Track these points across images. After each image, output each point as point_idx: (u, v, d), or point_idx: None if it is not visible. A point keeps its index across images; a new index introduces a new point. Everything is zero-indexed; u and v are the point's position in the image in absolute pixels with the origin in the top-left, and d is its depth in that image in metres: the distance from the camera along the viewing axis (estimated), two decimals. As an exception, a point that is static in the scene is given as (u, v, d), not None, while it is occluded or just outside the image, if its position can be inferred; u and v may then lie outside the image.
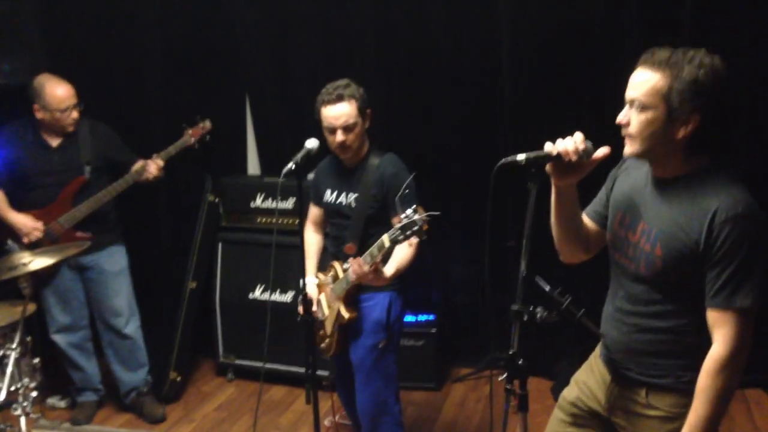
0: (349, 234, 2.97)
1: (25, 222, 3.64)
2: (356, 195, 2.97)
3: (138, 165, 3.77)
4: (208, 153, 4.53)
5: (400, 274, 2.86)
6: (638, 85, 1.86)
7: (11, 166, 3.70)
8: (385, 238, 2.56)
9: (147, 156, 3.81)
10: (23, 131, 3.73)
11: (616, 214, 2.08)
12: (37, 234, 3.64)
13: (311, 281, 3.13)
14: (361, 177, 2.96)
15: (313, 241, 3.25)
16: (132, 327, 3.97)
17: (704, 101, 1.79)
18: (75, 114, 3.68)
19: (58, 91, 3.61)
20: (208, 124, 3.86)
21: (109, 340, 3.96)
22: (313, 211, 3.23)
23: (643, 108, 1.85)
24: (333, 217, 3.12)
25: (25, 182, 3.71)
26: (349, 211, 2.99)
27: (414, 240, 2.49)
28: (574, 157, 1.90)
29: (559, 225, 2.14)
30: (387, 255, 2.71)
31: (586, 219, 2.21)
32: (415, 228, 2.43)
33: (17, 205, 3.71)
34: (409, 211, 2.45)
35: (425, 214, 2.44)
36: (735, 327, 1.80)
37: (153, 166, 3.74)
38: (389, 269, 2.79)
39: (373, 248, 2.65)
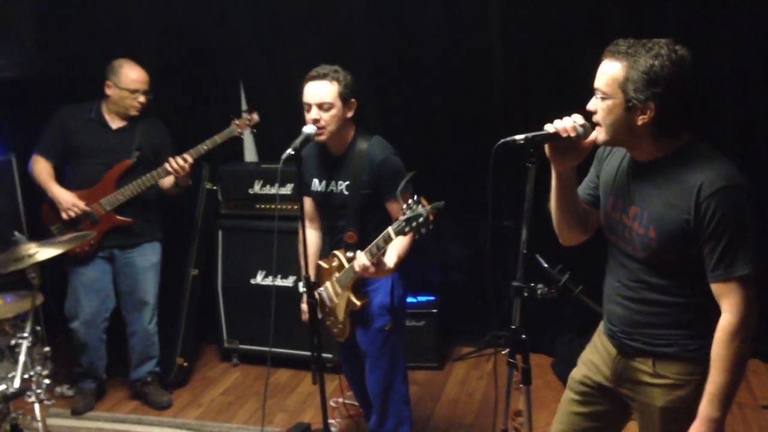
0: (346, 223, 2.97)
1: (66, 197, 3.69)
2: (347, 182, 2.94)
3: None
4: (204, 141, 4.57)
5: (393, 271, 2.84)
6: (600, 75, 1.93)
7: (67, 138, 3.76)
8: (391, 231, 2.55)
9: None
10: (88, 107, 3.82)
11: (608, 198, 2.12)
12: (76, 210, 3.68)
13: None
14: (350, 163, 2.93)
15: (311, 241, 3.16)
16: (153, 322, 4.03)
17: (659, 91, 1.83)
18: (142, 98, 3.76)
19: (132, 72, 3.74)
20: (255, 116, 3.83)
21: (132, 331, 4.01)
22: (307, 203, 3.13)
23: (604, 97, 1.91)
24: (324, 207, 3.08)
25: (76, 157, 3.77)
26: (341, 199, 2.97)
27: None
28: (572, 134, 1.96)
29: (559, 209, 2.18)
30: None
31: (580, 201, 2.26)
32: (421, 220, 2.42)
33: (64, 180, 3.77)
34: (411, 202, 2.44)
35: (430, 206, 2.43)
36: (739, 295, 1.86)
37: (177, 160, 3.65)
38: (390, 260, 2.77)
39: (379, 240, 2.63)
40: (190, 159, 3.69)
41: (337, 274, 3.00)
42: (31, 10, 4.38)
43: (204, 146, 3.74)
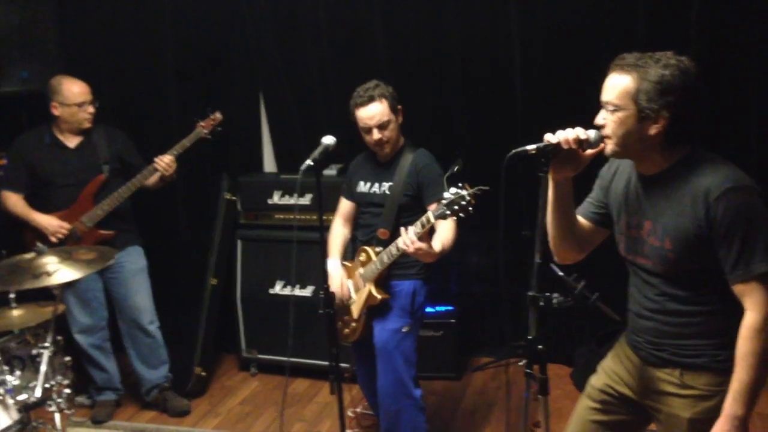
0: (381, 220, 3.10)
1: (50, 221, 3.74)
2: (390, 184, 3.10)
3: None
4: (224, 152, 4.61)
5: (438, 257, 2.89)
6: (610, 88, 1.95)
7: (31, 169, 3.80)
8: (430, 215, 2.65)
9: None
10: (39, 135, 3.84)
11: (621, 218, 2.14)
12: (63, 232, 3.73)
13: (334, 263, 3.21)
14: (396, 168, 3.10)
15: (339, 231, 3.34)
16: (154, 325, 4.05)
17: (671, 99, 1.87)
18: (91, 109, 3.81)
19: (74, 87, 3.77)
20: (218, 115, 3.92)
21: (132, 339, 4.02)
22: (344, 204, 3.35)
23: (615, 109, 1.94)
24: (365, 207, 3.23)
25: (46, 184, 3.80)
26: (382, 198, 3.12)
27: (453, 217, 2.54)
28: (573, 146, 1.98)
29: (554, 222, 2.19)
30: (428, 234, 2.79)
31: (580, 219, 2.26)
32: (463, 203, 2.49)
33: (40, 208, 3.80)
34: (453, 190, 2.52)
35: (472, 189, 2.50)
36: (762, 292, 1.86)
37: (164, 159, 3.75)
38: (436, 245, 2.85)
39: (417, 224, 2.73)
40: (170, 157, 3.77)
41: (361, 270, 3.06)
42: (55, 22, 4.46)
43: (174, 151, 3.81)
